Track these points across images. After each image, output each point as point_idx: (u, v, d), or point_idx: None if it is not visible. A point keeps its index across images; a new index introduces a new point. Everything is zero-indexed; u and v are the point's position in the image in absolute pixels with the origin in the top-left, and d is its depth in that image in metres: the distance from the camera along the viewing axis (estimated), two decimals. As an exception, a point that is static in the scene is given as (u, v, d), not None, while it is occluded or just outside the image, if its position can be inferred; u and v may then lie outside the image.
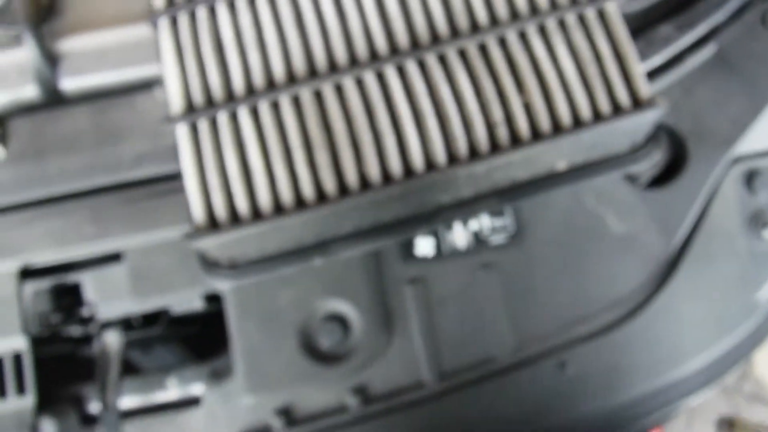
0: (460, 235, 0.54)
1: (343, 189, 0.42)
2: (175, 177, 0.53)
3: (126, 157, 0.56)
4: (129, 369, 0.56)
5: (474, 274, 0.53)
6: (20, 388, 0.55)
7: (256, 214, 0.42)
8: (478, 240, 0.55)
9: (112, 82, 0.57)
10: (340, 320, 0.53)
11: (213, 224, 0.42)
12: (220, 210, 0.42)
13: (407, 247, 0.54)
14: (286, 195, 0.42)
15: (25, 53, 0.56)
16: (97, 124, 0.57)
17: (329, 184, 0.42)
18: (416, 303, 0.53)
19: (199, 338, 0.60)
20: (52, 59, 0.57)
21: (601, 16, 0.44)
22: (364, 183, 0.42)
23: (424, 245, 0.54)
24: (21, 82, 0.57)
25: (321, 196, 0.42)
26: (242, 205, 0.42)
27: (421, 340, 0.52)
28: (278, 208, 0.42)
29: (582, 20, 0.44)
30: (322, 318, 0.53)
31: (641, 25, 0.59)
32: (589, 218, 0.54)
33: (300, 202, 0.42)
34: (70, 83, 0.57)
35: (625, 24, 0.45)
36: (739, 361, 0.57)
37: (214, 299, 0.55)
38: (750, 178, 0.59)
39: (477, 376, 0.52)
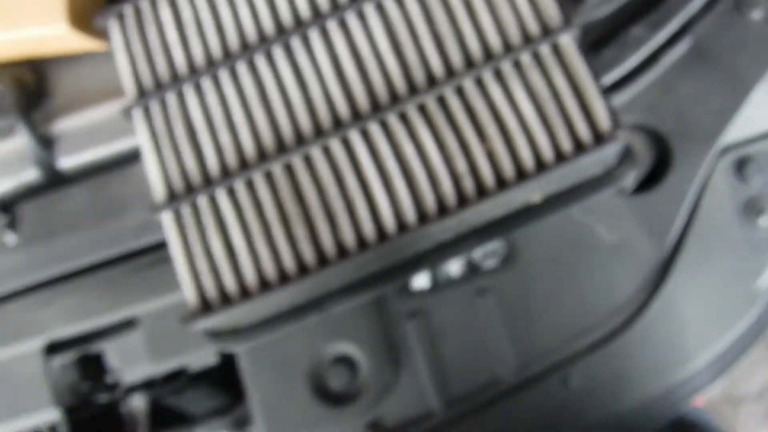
0: (453, 264, 0.56)
1: (321, 258, 0.44)
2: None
3: (129, 227, 0.59)
4: (161, 414, 0.59)
5: (471, 301, 0.55)
6: None
7: (244, 292, 0.44)
8: (471, 267, 0.56)
9: (107, 155, 0.60)
10: (347, 361, 0.55)
11: (205, 306, 0.45)
12: (211, 292, 0.45)
13: (404, 284, 0.56)
14: (270, 271, 0.44)
15: (20, 140, 0.59)
16: (97, 200, 0.59)
17: (308, 256, 0.44)
18: (418, 335, 0.55)
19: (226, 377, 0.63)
20: (46, 142, 0.60)
21: (556, 51, 0.45)
22: (341, 250, 0.44)
23: (420, 279, 0.56)
24: (22, 167, 0.60)
25: (302, 267, 0.44)
26: (230, 284, 0.44)
27: (427, 371, 0.54)
28: (264, 284, 0.44)
29: (537, 58, 0.45)
30: (330, 361, 0.56)
31: (613, 29, 0.58)
32: (579, 231, 0.55)
33: (283, 276, 0.44)
34: (67, 162, 0.60)
35: (584, 59, 0.45)
36: (745, 351, 0.58)
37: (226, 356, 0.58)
38: (740, 166, 0.59)
39: (484, 399, 0.54)
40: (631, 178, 0.50)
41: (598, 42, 0.58)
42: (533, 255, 0.55)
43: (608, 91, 0.56)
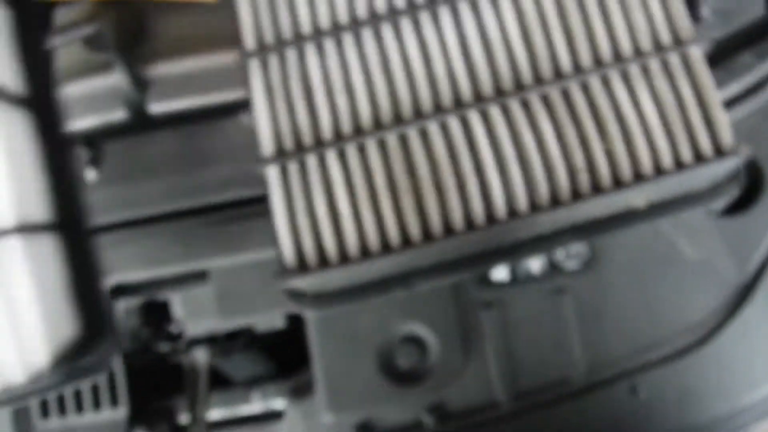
0: (534, 261, 0.56)
1: (426, 234, 0.44)
2: (259, 201, 0.56)
3: (212, 180, 0.59)
4: (214, 378, 0.59)
5: (548, 299, 0.55)
6: (113, 401, 0.59)
7: (343, 257, 0.44)
8: (553, 266, 0.56)
9: (200, 105, 0.59)
10: (417, 342, 0.55)
11: (302, 265, 0.44)
12: (310, 252, 0.44)
13: (483, 274, 0.56)
14: (373, 239, 0.44)
15: (115, 78, 0.59)
16: (183, 149, 0.59)
17: (414, 229, 0.44)
18: (492, 326, 0.55)
19: (281, 350, 0.63)
20: (141, 84, 0.59)
21: (685, 62, 0.45)
22: (448, 228, 0.44)
23: (500, 271, 0.56)
24: (112, 106, 0.60)
25: (405, 240, 0.44)
26: (330, 247, 0.44)
27: (496, 362, 0.54)
28: (365, 251, 0.44)
29: (666, 66, 0.45)
30: (401, 340, 0.55)
31: (721, 54, 0.58)
32: (664, 244, 0.55)
33: (385, 246, 0.44)
34: (158, 107, 0.60)
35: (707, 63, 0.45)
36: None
37: (295, 318, 0.58)
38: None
39: (551, 397, 0.54)
40: (735, 194, 0.50)
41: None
42: (615, 261, 0.55)
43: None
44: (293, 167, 0.46)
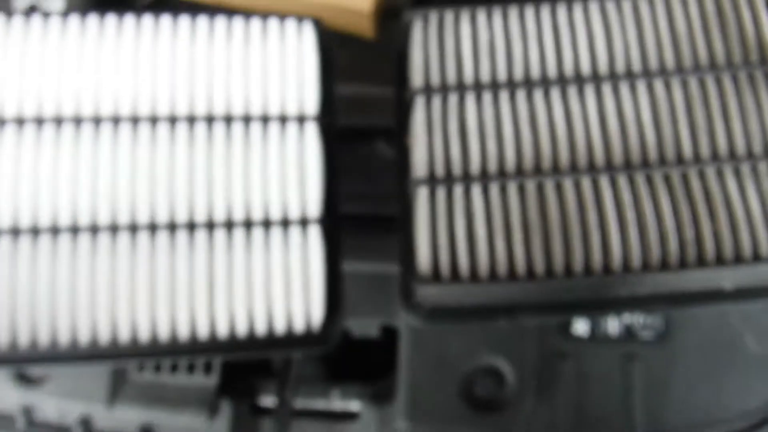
0: (613, 324, 0.62)
1: (549, 271, 0.51)
2: (378, 218, 0.63)
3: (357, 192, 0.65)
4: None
5: (619, 361, 0.61)
6: (207, 369, 0.64)
7: (474, 276, 0.51)
8: (629, 332, 0.62)
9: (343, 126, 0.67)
10: (497, 375, 0.61)
11: (436, 277, 0.51)
12: (444, 266, 0.51)
13: (565, 326, 0.62)
14: (502, 265, 0.51)
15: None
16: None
17: (539, 265, 0.51)
18: (566, 375, 0.61)
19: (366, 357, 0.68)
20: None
21: (790, 169, 0.52)
22: (568, 269, 0.51)
23: (581, 326, 0.62)
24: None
25: (530, 272, 0.51)
26: (464, 265, 0.51)
27: (563, 408, 0.60)
28: (493, 275, 0.51)
29: (773, 170, 0.52)
30: (483, 369, 0.61)
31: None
32: (732, 334, 0.61)
33: (512, 274, 0.51)
34: None
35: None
36: None
37: (387, 330, 0.64)
38: None
39: None
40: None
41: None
42: (686, 341, 0.61)
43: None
44: (441, 192, 0.53)
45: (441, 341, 0.61)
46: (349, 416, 0.64)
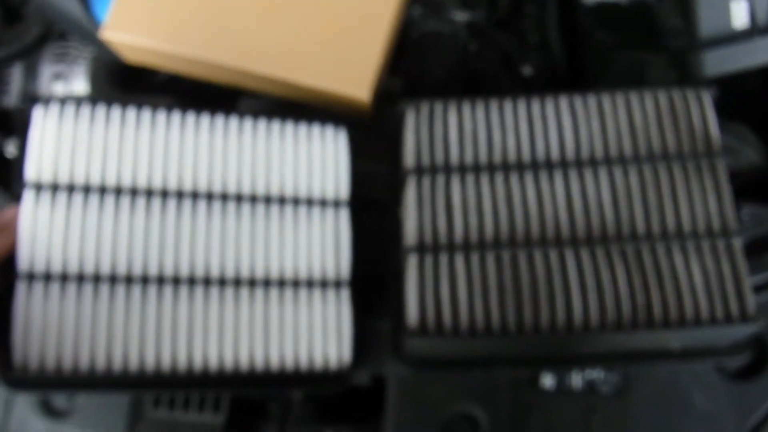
0: (576, 379, 0.70)
1: (520, 328, 0.59)
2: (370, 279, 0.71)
3: None
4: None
5: (582, 413, 0.68)
6: (216, 407, 0.71)
7: (456, 331, 0.59)
8: (591, 387, 0.70)
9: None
10: (474, 421, 0.68)
11: (423, 331, 0.59)
12: (431, 322, 0.59)
13: (534, 380, 0.70)
14: (480, 322, 0.59)
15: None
16: None
17: (511, 323, 0.59)
18: (534, 424, 0.68)
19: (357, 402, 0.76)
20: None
21: (729, 248, 0.61)
22: (537, 327, 0.59)
23: (549, 381, 0.70)
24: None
25: (504, 329, 0.59)
26: (447, 322, 0.59)
27: None
28: (472, 331, 0.59)
29: (714, 248, 0.61)
30: (461, 416, 0.69)
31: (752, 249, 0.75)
32: (681, 393, 0.69)
33: (488, 330, 0.59)
34: None
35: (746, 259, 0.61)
36: None
37: (376, 379, 0.72)
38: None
39: None
40: (748, 357, 0.65)
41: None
42: (641, 396, 0.69)
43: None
44: (429, 258, 0.62)
45: (424, 389, 0.69)
46: (340, 456, 0.72)
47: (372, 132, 0.76)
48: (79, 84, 0.93)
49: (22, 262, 0.59)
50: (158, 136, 0.64)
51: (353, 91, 0.71)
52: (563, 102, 0.67)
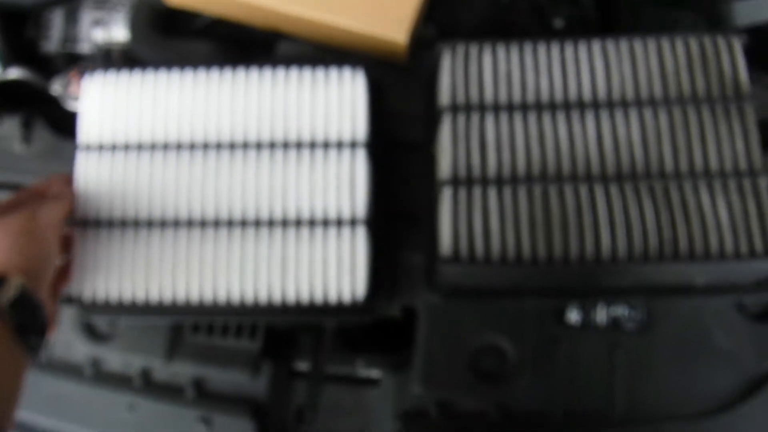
0: (602, 315, 0.72)
1: (550, 258, 0.62)
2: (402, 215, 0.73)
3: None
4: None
5: (606, 348, 0.71)
6: (252, 334, 0.75)
7: (488, 260, 0.62)
8: (615, 323, 0.72)
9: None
10: (500, 352, 0.71)
11: (456, 259, 0.62)
12: (464, 251, 0.62)
13: (560, 315, 0.73)
14: (511, 252, 0.62)
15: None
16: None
17: (541, 253, 0.62)
18: (559, 357, 0.71)
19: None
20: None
21: (755, 187, 0.63)
22: (566, 258, 0.61)
23: (574, 316, 0.72)
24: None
25: (534, 259, 0.61)
26: (479, 251, 0.62)
27: (557, 384, 0.70)
28: (504, 259, 0.62)
29: (740, 187, 0.63)
30: (488, 346, 0.71)
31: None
32: (703, 330, 0.71)
33: (519, 260, 0.61)
34: None
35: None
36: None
37: (407, 310, 0.74)
38: None
39: (592, 422, 0.69)
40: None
41: None
42: (663, 333, 0.71)
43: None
44: (462, 192, 0.64)
45: (454, 320, 0.72)
46: (371, 382, 0.75)
47: (408, 75, 0.79)
48: (119, 30, 0.95)
49: (81, 211, 0.68)
50: (185, 93, 0.70)
51: (391, 34, 0.73)
52: (596, 46, 0.69)
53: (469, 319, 0.72)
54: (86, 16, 0.98)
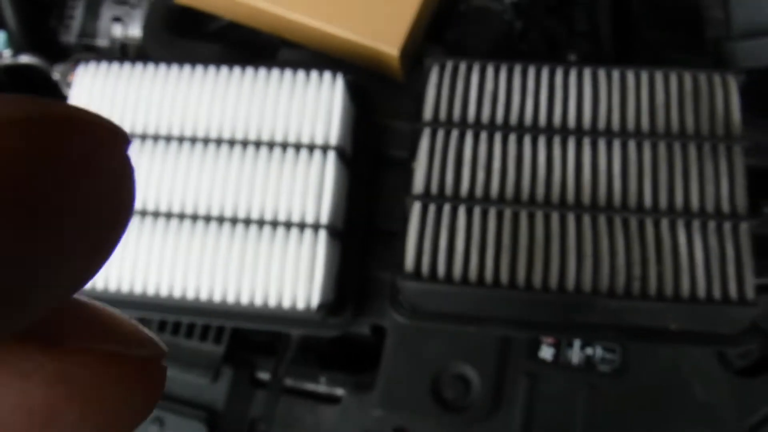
0: (576, 353, 0.70)
1: (512, 283, 0.60)
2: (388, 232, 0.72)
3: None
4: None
5: (578, 388, 0.68)
6: (217, 339, 0.74)
7: (449, 279, 0.60)
8: (589, 363, 0.70)
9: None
10: (465, 381, 0.69)
11: (418, 275, 0.60)
12: (426, 268, 0.60)
13: (533, 348, 0.70)
14: (473, 273, 0.60)
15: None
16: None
17: (504, 277, 0.60)
18: (526, 392, 0.69)
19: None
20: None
21: (735, 231, 0.60)
22: (529, 285, 0.59)
23: (546, 351, 0.70)
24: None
25: (496, 282, 0.60)
26: (441, 269, 0.60)
27: (517, 421, 0.67)
28: (465, 280, 0.60)
29: (720, 228, 0.61)
30: (453, 374, 0.69)
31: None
32: (681, 381, 0.68)
33: (480, 282, 0.60)
34: None
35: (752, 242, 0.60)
36: None
37: (376, 329, 0.73)
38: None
39: None
40: (747, 348, 0.64)
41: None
42: (639, 380, 0.68)
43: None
44: (432, 207, 0.63)
45: (418, 344, 0.70)
46: (332, 399, 0.73)
47: (403, 92, 0.78)
48: (136, 29, 0.96)
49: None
50: (167, 88, 0.71)
51: (383, 46, 0.73)
52: (587, 73, 0.68)
53: (434, 344, 0.70)
54: (107, 11, 1.00)
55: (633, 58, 0.94)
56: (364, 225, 0.71)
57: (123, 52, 0.98)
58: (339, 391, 0.73)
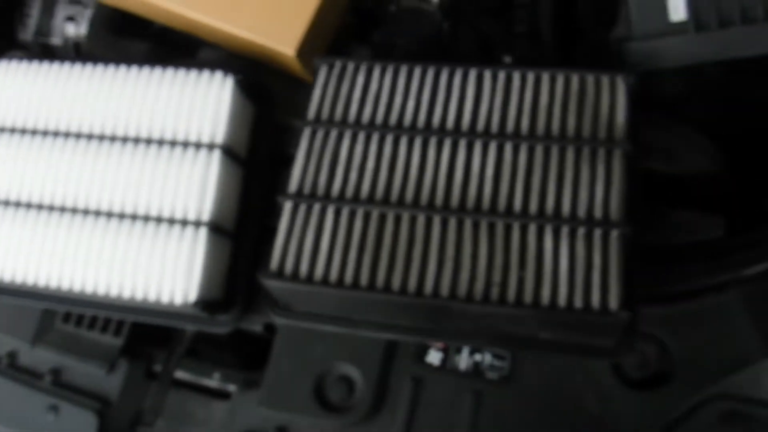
0: (464, 359, 0.69)
1: (371, 285, 0.59)
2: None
3: None
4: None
5: (463, 394, 0.67)
6: (117, 331, 0.75)
7: (310, 279, 0.60)
8: (477, 369, 0.69)
9: None
10: (348, 382, 0.69)
11: (280, 274, 0.60)
12: (289, 267, 0.60)
13: (420, 353, 0.70)
14: (334, 275, 0.60)
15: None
16: None
17: (364, 278, 0.59)
18: (410, 396, 0.68)
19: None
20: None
21: (605, 238, 0.59)
22: (388, 287, 0.59)
23: (434, 356, 0.69)
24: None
25: (355, 284, 0.59)
26: (304, 269, 0.60)
27: (399, 426, 0.67)
28: (325, 281, 0.59)
29: (589, 236, 0.59)
30: (337, 375, 0.69)
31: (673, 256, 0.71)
32: (573, 392, 0.66)
33: (341, 282, 0.59)
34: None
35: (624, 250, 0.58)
36: None
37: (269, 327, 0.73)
38: (726, 417, 0.67)
39: None
40: (621, 359, 0.62)
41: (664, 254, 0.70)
42: (527, 389, 0.67)
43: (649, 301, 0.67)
44: (302, 207, 0.63)
45: (303, 343, 0.70)
46: (223, 395, 0.74)
47: (308, 91, 0.78)
48: (85, 28, 0.98)
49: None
50: (58, 84, 0.72)
51: (279, 46, 0.73)
52: (472, 73, 0.66)
53: (321, 344, 0.70)
54: (61, 11, 1.02)
55: (577, 58, 0.92)
56: (258, 224, 0.71)
57: (76, 51, 1.00)
58: (230, 387, 0.74)
